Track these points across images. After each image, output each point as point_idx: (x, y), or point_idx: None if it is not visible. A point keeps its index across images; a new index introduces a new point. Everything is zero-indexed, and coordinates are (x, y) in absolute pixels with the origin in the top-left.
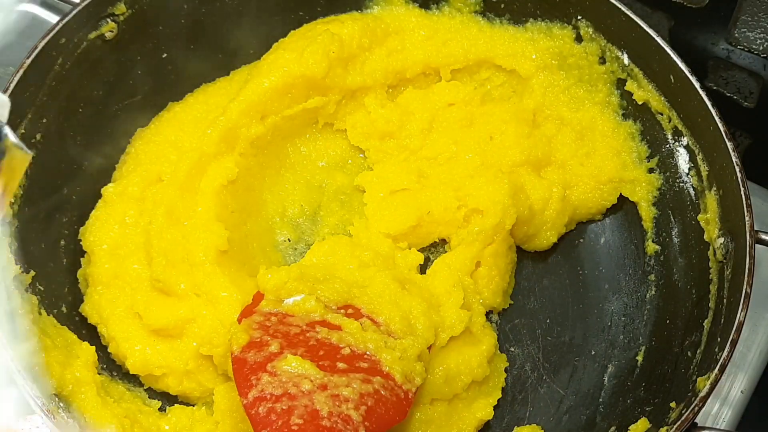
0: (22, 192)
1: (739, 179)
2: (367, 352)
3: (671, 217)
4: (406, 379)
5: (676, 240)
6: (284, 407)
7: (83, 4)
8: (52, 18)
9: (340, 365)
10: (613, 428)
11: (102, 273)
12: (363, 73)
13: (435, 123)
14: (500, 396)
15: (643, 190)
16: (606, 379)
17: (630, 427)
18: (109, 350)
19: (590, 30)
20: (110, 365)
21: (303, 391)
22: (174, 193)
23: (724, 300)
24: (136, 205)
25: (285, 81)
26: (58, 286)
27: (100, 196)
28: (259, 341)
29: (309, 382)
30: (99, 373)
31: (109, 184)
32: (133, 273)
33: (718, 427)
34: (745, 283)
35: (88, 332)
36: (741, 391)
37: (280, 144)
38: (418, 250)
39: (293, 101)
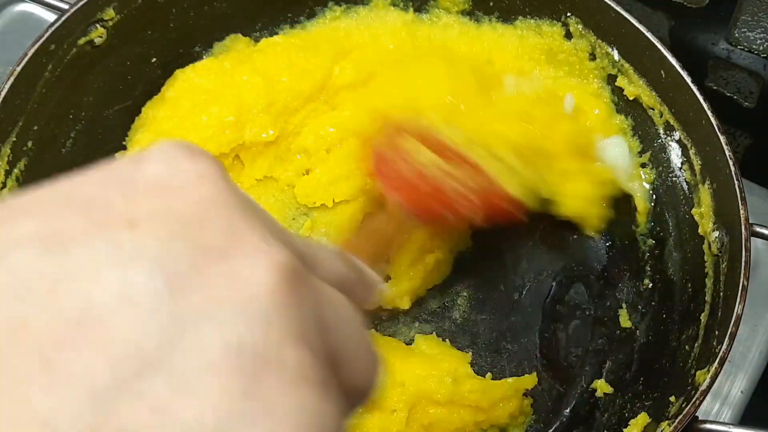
0: None
1: (733, 172)
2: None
3: (665, 211)
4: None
5: (670, 234)
6: (413, 182)
7: (72, 11)
8: (52, 18)
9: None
10: (612, 423)
11: None
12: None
13: None
14: None
15: (636, 185)
16: (604, 374)
17: (630, 422)
18: None
19: (580, 26)
20: None
21: (429, 173)
22: None
23: (721, 293)
24: None
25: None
26: None
27: None
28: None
29: (436, 168)
30: None
31: None
32: None
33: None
34: (742, 275)
35: None
36: (741, 391)
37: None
38: None
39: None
